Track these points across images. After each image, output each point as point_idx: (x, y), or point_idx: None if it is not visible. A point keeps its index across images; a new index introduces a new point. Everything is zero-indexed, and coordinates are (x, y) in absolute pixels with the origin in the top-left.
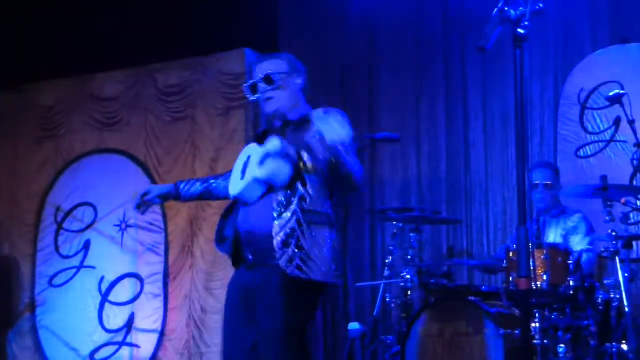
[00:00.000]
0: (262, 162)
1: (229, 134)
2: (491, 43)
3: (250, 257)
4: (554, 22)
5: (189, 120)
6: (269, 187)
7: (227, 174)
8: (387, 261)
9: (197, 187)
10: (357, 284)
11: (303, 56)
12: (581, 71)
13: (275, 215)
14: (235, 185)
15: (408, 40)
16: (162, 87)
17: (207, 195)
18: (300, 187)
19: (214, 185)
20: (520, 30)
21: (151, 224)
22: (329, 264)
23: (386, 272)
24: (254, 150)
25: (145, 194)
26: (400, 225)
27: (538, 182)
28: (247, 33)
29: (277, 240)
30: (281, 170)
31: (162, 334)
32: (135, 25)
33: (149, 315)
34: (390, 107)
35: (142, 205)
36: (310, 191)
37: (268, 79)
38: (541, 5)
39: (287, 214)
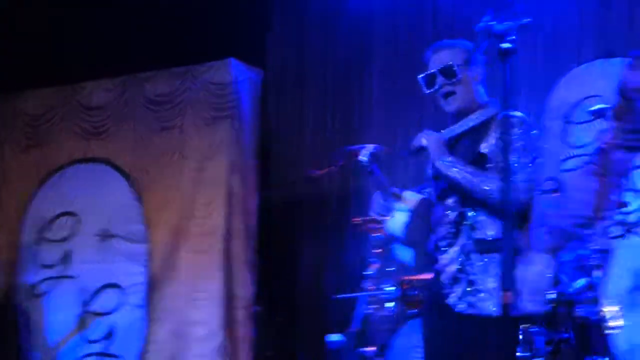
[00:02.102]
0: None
1: (217, 143)
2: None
3: None
4: (538, 35)
5: (176, 129)
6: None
7: None
8: (368, 272)
9: None
10: (338, 296)
11: (292, 67)
12: (565, 85)
13: (442, 246)
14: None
15: (399, 50)
16: (150, 96)
17: None
18: (469, 213)
19: None
20: (507, 45)
21: (133, 234)
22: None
23: (367, 284)
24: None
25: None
26: (382, 236)
27: None
28: (236, 43)
29: (444, 275)
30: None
31: (144, 344)
32: (124, 33)
33: (130, 325)
34: (379, 117)
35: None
36: (481, 217)
37: (448, 71)
38: (528, 18)
39: (456, 248)
